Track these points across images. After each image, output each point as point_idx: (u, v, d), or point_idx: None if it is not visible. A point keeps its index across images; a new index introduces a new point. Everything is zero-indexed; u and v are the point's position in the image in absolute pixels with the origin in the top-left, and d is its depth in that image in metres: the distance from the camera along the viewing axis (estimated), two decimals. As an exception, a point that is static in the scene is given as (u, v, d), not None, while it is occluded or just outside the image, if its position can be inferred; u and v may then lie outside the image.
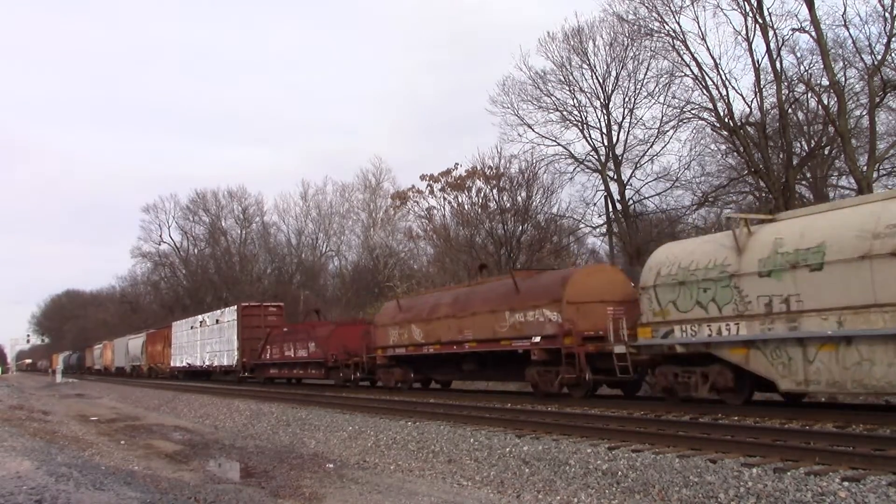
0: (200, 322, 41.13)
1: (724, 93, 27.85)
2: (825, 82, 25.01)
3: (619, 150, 33.32)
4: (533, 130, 34.66)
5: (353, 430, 14.79)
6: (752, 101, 27.81)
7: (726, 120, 27.87)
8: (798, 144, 28.49)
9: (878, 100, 24.35)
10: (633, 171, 33.30)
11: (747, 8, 26.42)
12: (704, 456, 8.85)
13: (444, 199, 46.29)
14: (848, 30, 25.27)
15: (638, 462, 9.05)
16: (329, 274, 65.68)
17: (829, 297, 10.65)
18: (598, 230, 35.61)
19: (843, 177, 28.90)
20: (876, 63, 24.10)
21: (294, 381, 32.62)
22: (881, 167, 26.12)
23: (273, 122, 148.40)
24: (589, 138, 34.03)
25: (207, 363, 39.31)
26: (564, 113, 34.11)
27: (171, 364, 46.15)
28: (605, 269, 20.43)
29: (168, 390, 33.13)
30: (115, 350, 65.43)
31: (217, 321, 37.92)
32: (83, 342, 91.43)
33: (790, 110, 27.01)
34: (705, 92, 28.23)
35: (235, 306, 35.95)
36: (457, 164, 45.15)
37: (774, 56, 25.97)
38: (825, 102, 25.45)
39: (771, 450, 8.76)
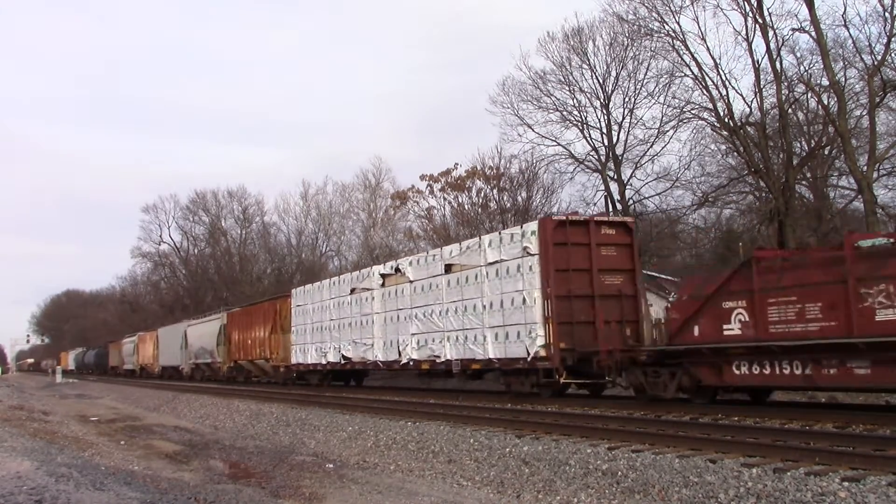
0: (384, 277, 21.84)
1: (724, 93, 27.90)
2: (825, 82, 25.04)
3: (619, 150, 33.36)
4: (533, 130, 34.72)
5: (353, 430, 14.80)
6: (752, 102, 27.88)
7: (726, 120, 27.88)
8: (798, 144, 28.54)
9: (878, 100, 24.36)
10: (633, 171, 33.38)
11: (747, 8, 26.47)
12: (704, 456, 8.84)
13: (444, 199, 46.30)
14: (848, 30, 25.32)
15: (638, 462, 9.04)
16: (329, 274, 65.56)
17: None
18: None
19: (843, 177, 28.99)
20: (876, 63, 24.11)
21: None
22: (881, 167, 26.18)
23: (273, 122, 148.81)
24: (589, 138, 34.09)
25: (417, 355, 19.77)
26: (564, 113, 34.18)
27: (294, 359, 27.40)
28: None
29: (168, 390, 33.13)
30: (162, 343, 47.58)
31: (447, 268, 18.72)
32: (83, 342, 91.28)
33: (790, 110, 27.03)
34: (705, 92, 28.28)
35: (531, 227, 16.32)
36: (457, 164, 45.07)
37: (774, 56, 26.01)
38: (825, 102, 25.47)
39: (771, 450, 8.76)
